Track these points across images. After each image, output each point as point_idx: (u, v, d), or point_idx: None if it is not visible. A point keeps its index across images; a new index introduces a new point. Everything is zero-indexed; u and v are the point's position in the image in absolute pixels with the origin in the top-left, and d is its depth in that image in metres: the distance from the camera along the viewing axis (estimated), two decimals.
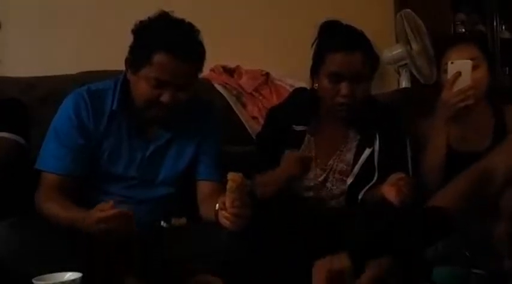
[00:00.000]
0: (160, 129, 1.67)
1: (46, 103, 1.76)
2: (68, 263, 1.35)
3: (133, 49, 1.58)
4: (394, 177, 1.62)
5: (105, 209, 1.39)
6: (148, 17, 1.58)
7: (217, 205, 1.48)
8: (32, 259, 1.37)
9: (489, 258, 1.59)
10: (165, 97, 1.55)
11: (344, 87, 1.76)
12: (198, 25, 1.64)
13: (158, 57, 1.52)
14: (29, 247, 1.39)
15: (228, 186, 1.39)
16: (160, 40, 1.53)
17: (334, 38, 1.81)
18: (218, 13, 2.68)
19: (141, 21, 1.58)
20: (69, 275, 1.31)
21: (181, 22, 1.59)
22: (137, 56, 1.57)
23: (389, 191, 1.60)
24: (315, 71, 1.84)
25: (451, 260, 1.37)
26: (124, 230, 1.40)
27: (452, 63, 1.83)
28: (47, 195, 1.57)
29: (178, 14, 1.62)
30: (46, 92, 2.01)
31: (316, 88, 1.84)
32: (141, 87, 1.56)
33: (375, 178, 1.78)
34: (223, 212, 1.42)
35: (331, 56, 1.77)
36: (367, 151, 1.82)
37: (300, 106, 1.91)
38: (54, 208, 1.52)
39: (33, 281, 1.28)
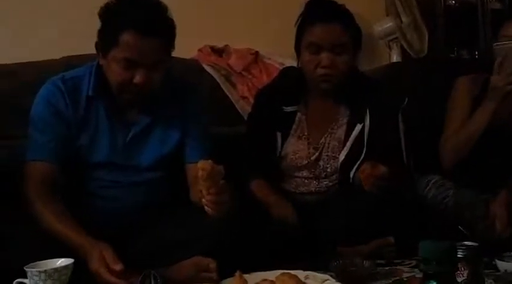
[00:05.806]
0: (140, 112, 1.65)
1: (29, 90, 1.71)
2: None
3: (100, 32, 1.55)
4: (366, 165, 1.60)
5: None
6: None
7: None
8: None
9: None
10: (137, 78, 1.52)
11: (324, 58, 1.75)
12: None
13: (124, 37, 1.49)
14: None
15: (199, 175, 1.35)
16: (124, 19, 1.50)
17: (313, 11, 1.82)
18: None
19: (106, 3, 1.55)
20: (61, 262, 1.30)
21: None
22: (105, 39, 1.54)
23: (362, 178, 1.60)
24: (298, 47, 1.84)
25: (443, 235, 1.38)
26: None
27: (497, 45, 1.85)
28: (35, 192, 1.52)
29: None
30: (29, 79, 1.94)
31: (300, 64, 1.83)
32: (113, 70, 1.54)
33: (363, 154, 1.77)
34: (203, 200, 1.39)
35: (310, 28, 1.79)
36: (358, 127, 1.81)
37: (288, 86, 1.89)
38: (47, 214, 1.47)
39: (25, 268, 1.26)
